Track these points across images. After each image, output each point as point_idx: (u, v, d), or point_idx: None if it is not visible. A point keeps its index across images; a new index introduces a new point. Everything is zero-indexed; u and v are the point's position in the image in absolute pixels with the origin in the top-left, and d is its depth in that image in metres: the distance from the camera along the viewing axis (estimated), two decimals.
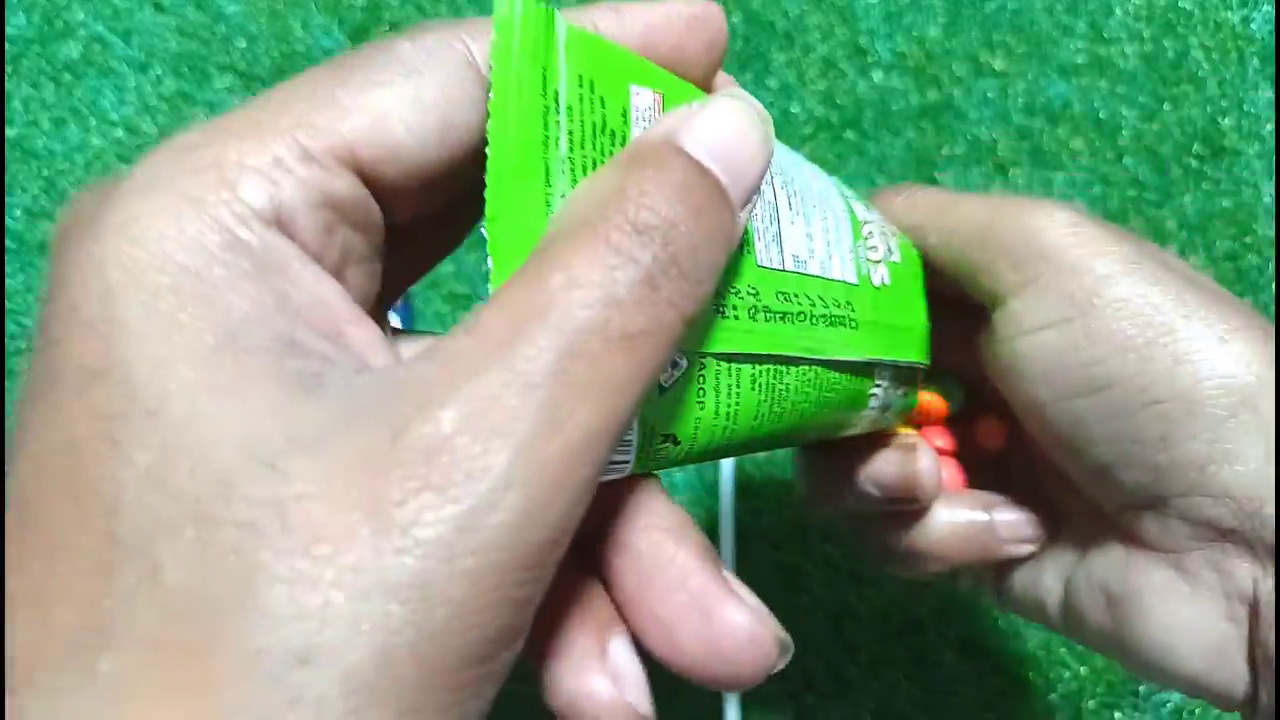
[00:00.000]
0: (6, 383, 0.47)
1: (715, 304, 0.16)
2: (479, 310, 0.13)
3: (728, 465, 0.45)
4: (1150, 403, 0.20)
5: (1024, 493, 0.27)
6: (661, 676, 0.45)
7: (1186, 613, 0.22)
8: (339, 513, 0.11)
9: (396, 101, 0.14)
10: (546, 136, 0.15)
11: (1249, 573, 0.21)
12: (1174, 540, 0.22)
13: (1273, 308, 0.47)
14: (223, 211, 0.13)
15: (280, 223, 0.13)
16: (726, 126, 0.14)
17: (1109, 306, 0.20)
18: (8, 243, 0.49)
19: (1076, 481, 0.23)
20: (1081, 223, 0.22)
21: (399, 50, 0.14)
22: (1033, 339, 0.22)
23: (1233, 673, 0.21)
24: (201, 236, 0.13)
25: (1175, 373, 0.20)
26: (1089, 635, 0.25)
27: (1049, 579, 0.26)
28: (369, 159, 0.14)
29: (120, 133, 0.51)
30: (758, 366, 0.17)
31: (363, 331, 0.14)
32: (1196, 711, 0.43)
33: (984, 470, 0.29)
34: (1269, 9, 0.52)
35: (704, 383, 0.16)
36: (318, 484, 0.11)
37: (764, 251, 0.17)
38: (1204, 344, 0.20)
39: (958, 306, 0.25)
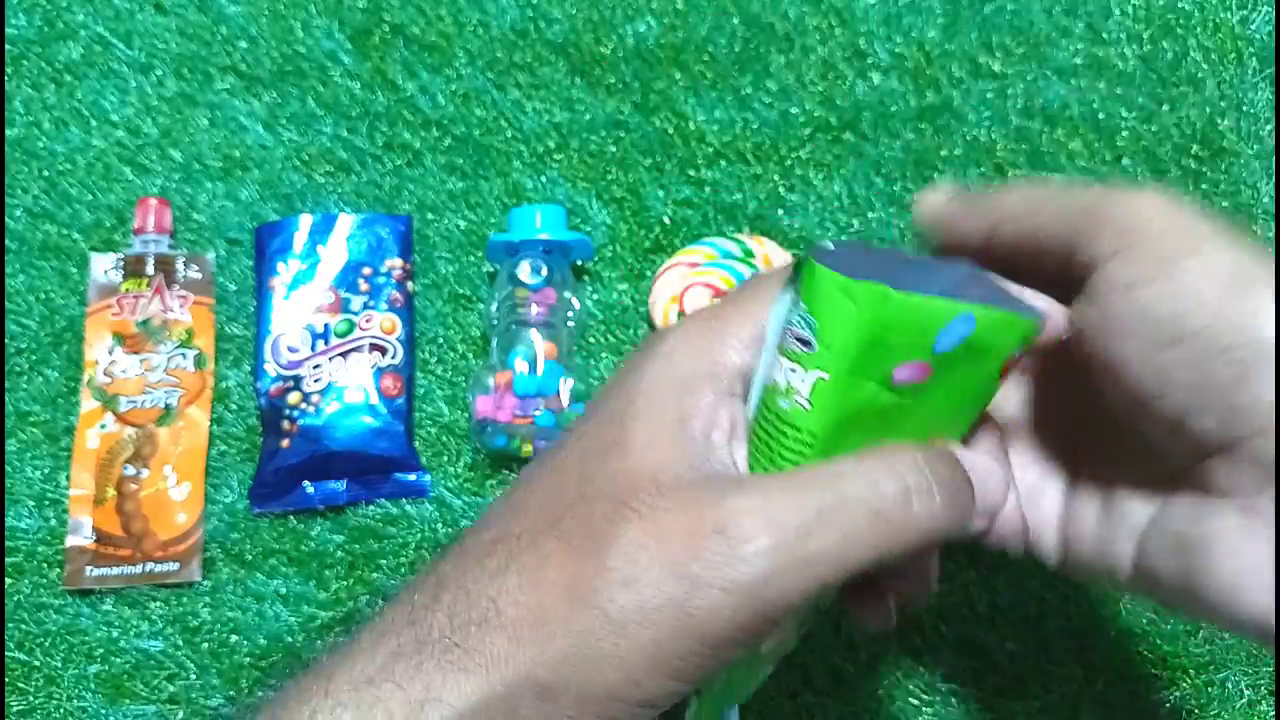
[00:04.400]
0: (6, 382, 0.47)
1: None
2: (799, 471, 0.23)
3: None
4: (1228, 348, 0.22)
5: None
6: None
7: (1255, 554, 0.23)
8: (664, 546, 0.22)
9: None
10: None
11: None
12: (1243, 484, 0.23)
13: None
14: (712, 359, 0.24)
15: (739, 374, 0.25)
16: (995, 480, 0.26)
17: (1196, 266, 0.23)
18: (9, 243, 0.49)
19: (1150, 434, 0.25)
20: (1178, 202, 0.24)
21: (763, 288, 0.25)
22: (1126, 296, 0.24)
23: None
24: (695, 370, 0.24)
25: (1251, 324, 0.22)
26: (1161, 588, 0.26)
27: (1122, 540, 0.26)
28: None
29: (121, 134, 0.51)
30: None
31: (738, 448, 0.25)
32: (1195, 711, 0.43)
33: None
34: (1268, 9, 0.53)
35: None
36: (657, 543, 0.22)
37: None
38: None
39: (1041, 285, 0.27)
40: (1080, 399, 0.28)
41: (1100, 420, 0.28)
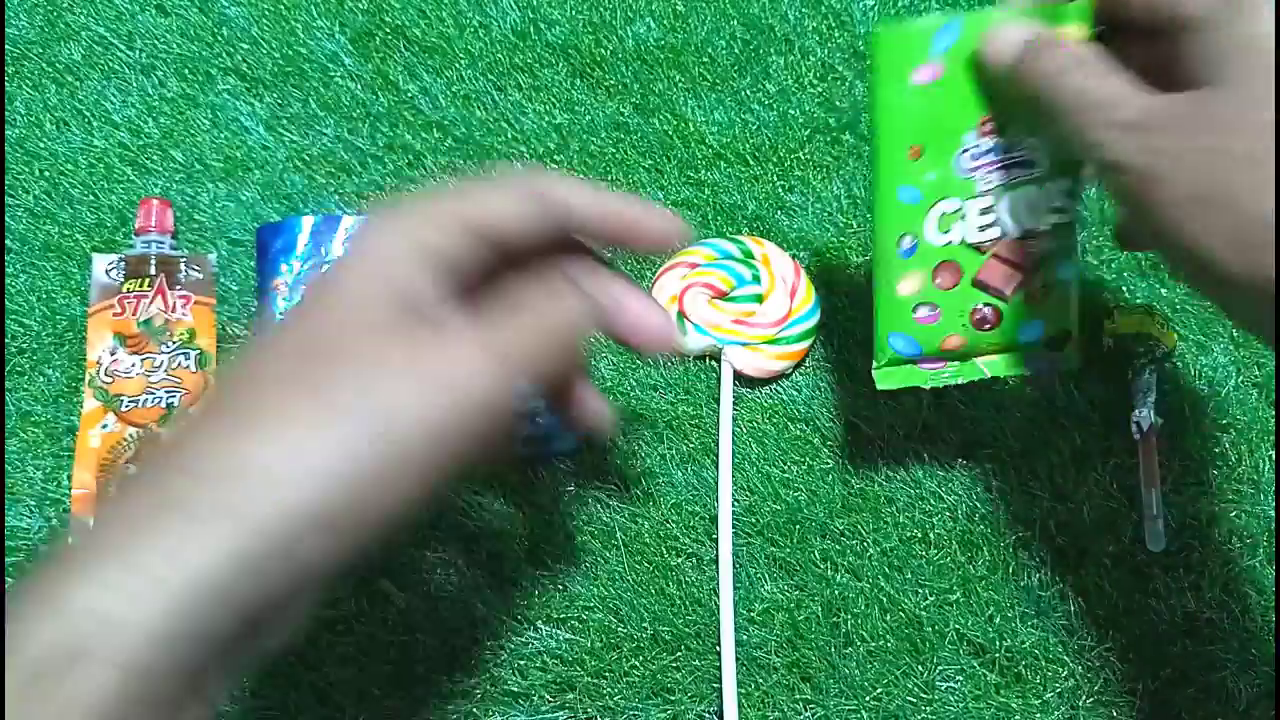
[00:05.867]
0: (8, 382, 0.47)
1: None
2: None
3: (725, 466, 0.45)
4: None
5: None
6: (665, 674, 0.45)
7: None
8: (394, 376, 0.25)
9: (500, 202, 0.28)
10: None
11: None
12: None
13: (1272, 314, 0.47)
14: (411, 242, 0.27)
15: (438, 254, 0.27)
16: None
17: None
18: (9, 243, 0.49)
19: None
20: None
21: (504, 178, 0.29)
22: None
23: None
24: (395, 250, 0.27)
25: None
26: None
27: None
28: (483, 229, 0.28)
29: (123, 134, 0.51)
30: None
31: (454, 311, 0.27)
32: (1195, 711, 0.43)
33: None
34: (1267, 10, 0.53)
35: None
36: (387, 373, 0.24)
37: None
38: None
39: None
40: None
41: None
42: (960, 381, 0.40)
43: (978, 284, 0.38)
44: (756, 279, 0.48)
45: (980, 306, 0.38)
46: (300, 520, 0.23)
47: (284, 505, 0.23)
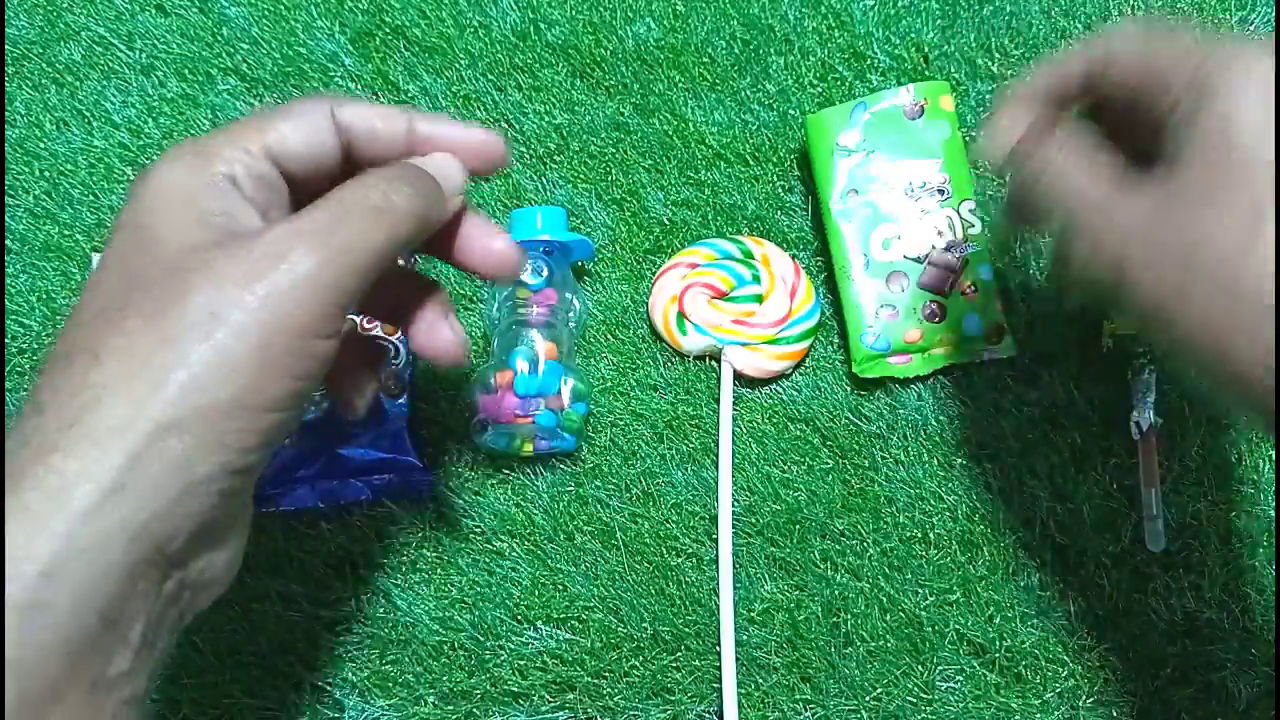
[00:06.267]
0: (6, 382, 0.47)
1: None
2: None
3: (725, 466, 0.45)
4: None
5: None
6: (665, 674, 0.45)
7: None
8: (228, 278, 0.26)
9: (292, 128, 0.30)
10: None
11: None
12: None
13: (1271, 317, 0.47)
14: (207, 173, 0.28)
15: (235, 181, 0.28)
16: (451, 166, 0.32)
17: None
18: (10, 244, 0.49)
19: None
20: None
21: (297, 105, 0.30)
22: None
23: None
24: (194, 182, 0.28)
25: None
26: None
27: None
28: (278, 155, 0.29)
29: (123, 135, 0.51)
30: None
31: (269, 220, 0.29)
32: (1195, 711, 0.43)
33: None
34: (1268, 9, 0.53)
35: None
36: (220, 276, 0.26)
37: None
38: None
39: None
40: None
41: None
42: (925, 371, 0.47)
43: (923, 286, 0.47)
44: (756, 279, 0.48)
45: (928, 303, 0.47)
46: (162, 429, 0.24)
47: (141, 420, 0.24)
